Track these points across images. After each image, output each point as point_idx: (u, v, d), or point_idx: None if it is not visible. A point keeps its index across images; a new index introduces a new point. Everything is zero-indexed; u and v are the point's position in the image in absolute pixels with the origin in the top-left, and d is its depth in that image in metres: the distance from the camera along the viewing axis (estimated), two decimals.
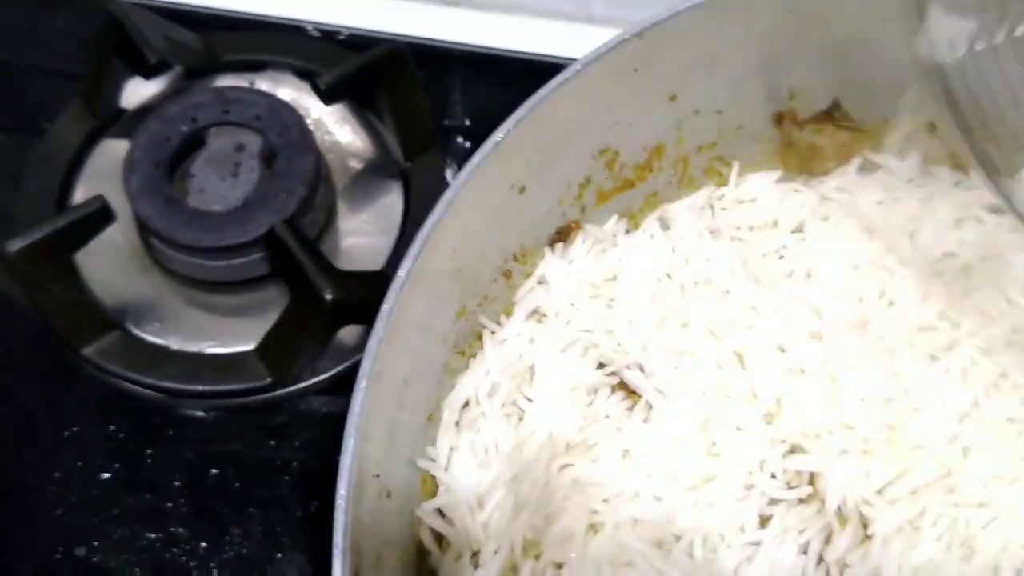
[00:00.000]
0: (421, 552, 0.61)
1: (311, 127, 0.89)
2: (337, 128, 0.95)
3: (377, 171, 0.92)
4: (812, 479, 0.65)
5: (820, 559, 0.62)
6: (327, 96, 0.92)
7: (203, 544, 0.74)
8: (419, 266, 0.58)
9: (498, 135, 0.62)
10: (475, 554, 0.62)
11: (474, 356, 0.67)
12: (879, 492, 0.63)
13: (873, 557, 0.62)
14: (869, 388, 0.68)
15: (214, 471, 0.78)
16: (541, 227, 0.71)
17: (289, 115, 0.90)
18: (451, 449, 0.64)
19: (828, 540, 0.63)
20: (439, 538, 0.62)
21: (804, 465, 0.65)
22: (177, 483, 0.77)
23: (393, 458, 0.59)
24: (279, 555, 0.72)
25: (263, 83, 0.96)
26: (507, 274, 0.69)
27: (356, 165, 0.93)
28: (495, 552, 0.61)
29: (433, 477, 0.63)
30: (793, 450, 0.66)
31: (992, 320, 0.69)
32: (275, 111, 0.90)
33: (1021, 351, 0.68)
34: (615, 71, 0.66)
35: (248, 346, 0.83)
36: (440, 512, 0.63)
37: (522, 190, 0.67)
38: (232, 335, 0.85)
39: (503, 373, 0.66)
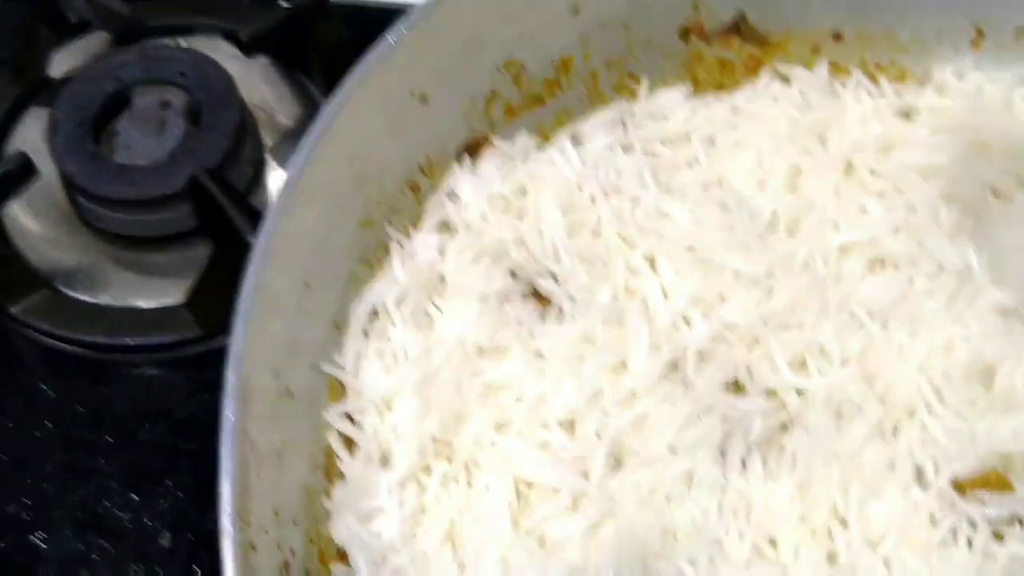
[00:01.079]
0: (330, 456, 0.61)
1: (239, 86, 0.88)
2: (267, 88, 0.95)
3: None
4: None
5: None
6: (248, 48, 0.92)
7: (136, 497, 0.73)
8: (314, 169, 0.58)
9: (391, 37, 0.61)
10: (385, 458, 0.61)
11: (382, 267, 0.67)
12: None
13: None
14: (784, 287, 0.68)
15: (147, 426, 0.77)
16: (448, 140, 0.71)
17: (213, 70, 0.90)
18: (358, 356, 0.63)
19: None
20: (349, 443, 0.61)
21: (721, 356, 0.65)
22: (110, 439, 0.76)
23: (295, 360, 0.59)
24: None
25: (191, 45, 0.96)
26: (415, 187, 0.69)
27: (286, 123, 0.93)
28: (405, 454, 0.60)
29: (340, 383, 0.63)
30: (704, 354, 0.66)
31: (894, 209, 0.70)
32: (199, 67, 0.90)
33: (925, 235, 0.69)
34: None
35: (178, 300, 0.82)
36: (350, 418, 0.62)
37: (423, 99, 0.67)
38: (162, 291, 0.85)
39: (411, 282, 0.66)
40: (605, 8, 0.73)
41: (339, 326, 0.64)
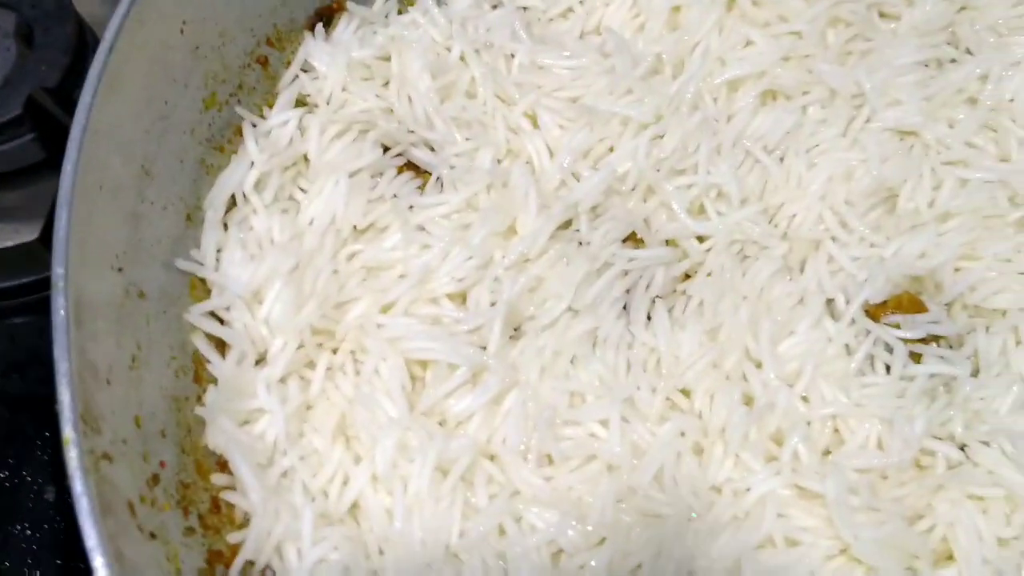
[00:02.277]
0: (199, 360, 0.54)
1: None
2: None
3: None
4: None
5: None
6: None
7: (11, 454, 0.66)
8: (135, 34, 0.51)
9: None
10: (261, 357, 0.55)
11: (236, 152, 0.60)
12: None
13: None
14: (674, 129, 0.63)
15: (16, 377, 0.70)
16: (296, 8, 0.64)
17: None
18: (219, 250, 0.57)
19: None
20: (220, 344, 0.55)
21: (616, 209, 0.61)
22: None
23: (143, 256, 0.52)
24: None
25: None
26: (263, 60, 0.62)
27: None
28: (282, 348, 0.54)
29: (202, 280, 0.56)
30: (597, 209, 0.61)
31: (780, 38, 0.66)
32: None
33: (814, 62, 0.65)
34: None
35: (32, 237, 0.74)
36: (217, 317, 0.56)
37: None
38: (14, 232, 0.76)
39: (270, 164, 0.59)
40: None
41: (194, 219, 0.57)
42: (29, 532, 0.63)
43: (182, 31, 0.55)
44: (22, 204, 0.78)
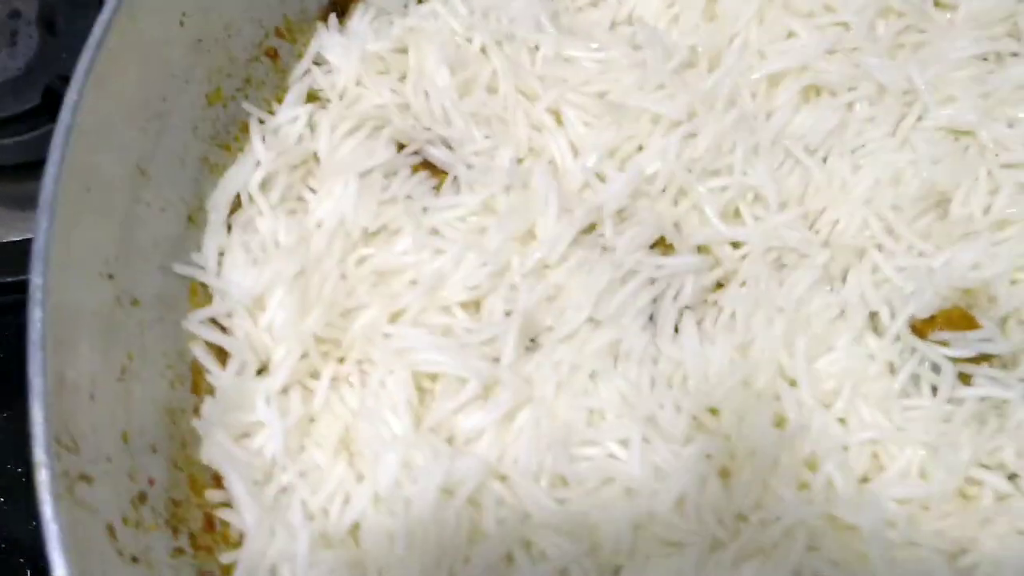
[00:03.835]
0: (197, 370, 0.52)
1: None
2: None
3: None
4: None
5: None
6: None
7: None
8: (126, 28, 0.48)
9: None
10: (264, 366, 0.53)
11: (243, 151, 0.57)
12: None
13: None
14: (708, 128, 0.59)
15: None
16: None
17: None
18: (221, 253, 0.54)
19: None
20: (220, 353, 0.53)
21: (643, 213, 0.57)
22: None
23: (137, 261, 0.50)
24: None
25: None
26: (272, 53, 0.59)
27: None
28: (285, 357, 0.52)
29: (203, 286, 0.54)
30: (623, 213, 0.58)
31: (825, 29, 0.61)
32: None
33: (863, 55, 0.61)
34: None
35: None
36: (217, 324, 0.53)
37: None
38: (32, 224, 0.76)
39: (277, 163, 0.56)
40: None
41: (195, 220, 0.55)
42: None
43: (182, 23, 0.52)
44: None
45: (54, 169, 0.43)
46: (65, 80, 0.70)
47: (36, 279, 0.41)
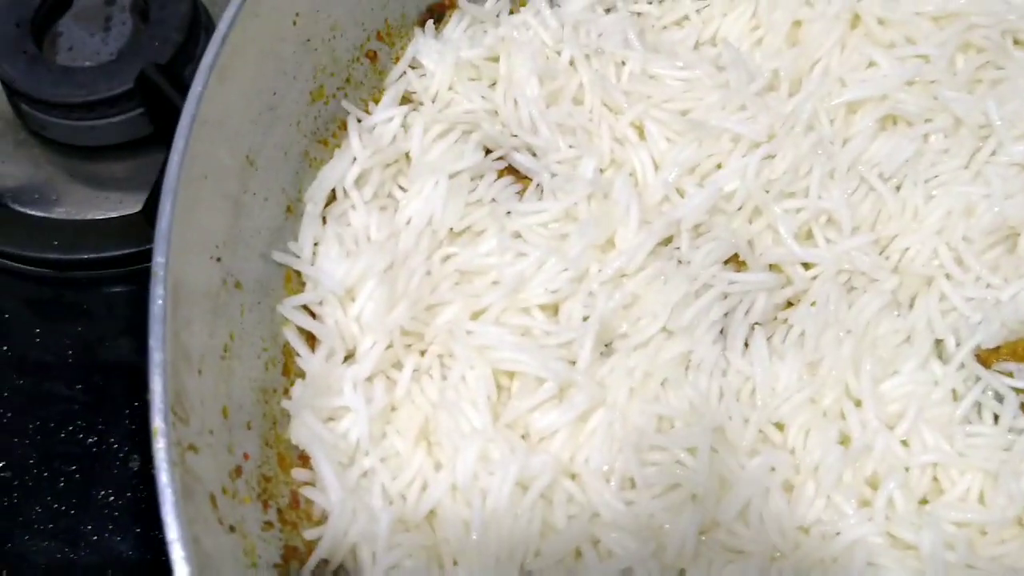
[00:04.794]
0: (289, 353, 0.55)
1: None
2: None
3: None
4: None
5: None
6: None
7: (101, 420, 0.67)
8: (248, 24, 0.51)
9: None
10: (350, 354, 0.55)
11: (340, 146, 0.60)
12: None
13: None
14: (787, 150, 0.61)
15: (108, 344, 0.71)
16: (408, 3, 0.63)
17: None
18: (316, 243, 0.57)
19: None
20: (310, 338, 0.55)
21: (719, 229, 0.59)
22: (70, 360, 0.70)
23: (242, 246, 0.52)
24: None
25: None
26: (372, 55, 0.62)
27: None
28: (371, 346, 0.54)
29: (297, 273, 0.56)
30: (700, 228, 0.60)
31: (906, 60, 0.63)
32: None
33: (941, 88, 0.62)
34: None
35: (135, 209, 0.76)
36: (309, 311, 0.56)
37: None
38: (119, 203, 0.79)
39: (372, 160, 0.59)
40: None
41: (294, 211, 0.57)
42: (112, 498, 0.64)
43: (295, 23, 0.55)
44: (127, 176, 0.80)
45: (178, 157, 0.46)
46: (158, 67, 0.73)
47: (159, 258, 0.44)
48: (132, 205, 0.76)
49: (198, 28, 0.81)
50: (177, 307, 0.45)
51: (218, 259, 0.50)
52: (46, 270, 0.75)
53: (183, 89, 0.73)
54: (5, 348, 0.71)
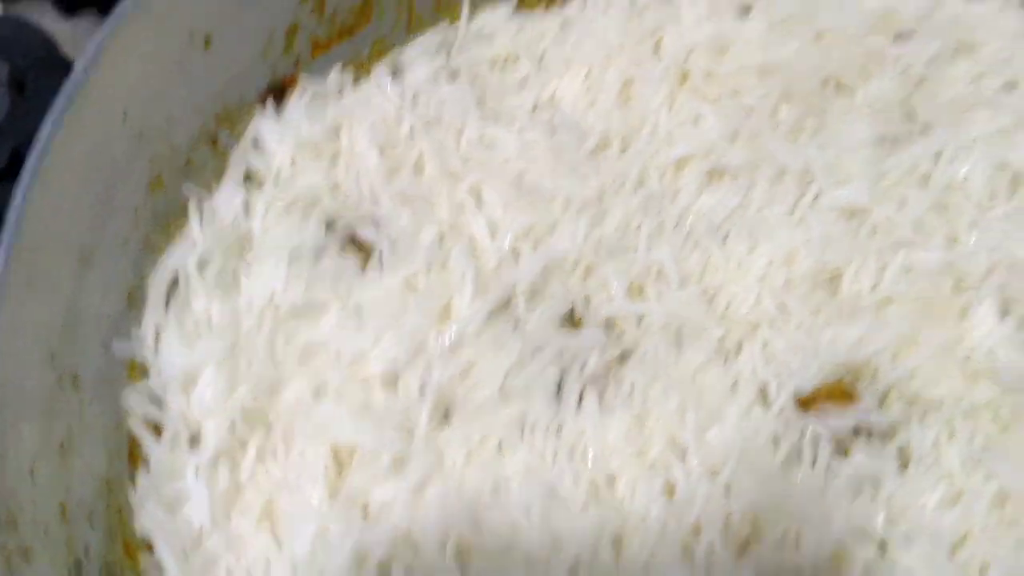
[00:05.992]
0: (134, 441, 0.56)
1: (70, 46, 0.82)
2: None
3: None
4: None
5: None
6: (68, 6, 0.86)
7: None
8: (73, 131, 0.52)
9: None
10: (195, 438, 0.57)
11: (182, 230, 0.62)
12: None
13: None
14: (616, 208, 0.64)
15: None
16: (247, 84, 0.65)
17: (32, 34, 0.85)
18: (158, 329, 0.59)
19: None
20: (156, 427, 0.57)
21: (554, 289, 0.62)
22: None
23: (79, 341, 0.54)
24: None
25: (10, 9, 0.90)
26: (212, 139, 0.64)
27: None
28: (213, 431, 0.56)
29: (140, 362, 0.58)
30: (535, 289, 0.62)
31: (731, 114, 0.66)
32: (17, 32, 0.84)
33: (765, 138, 0.65)
34: None
35: None
36: (155, 398, 0.58)
37: (207, 42, 0.61)
38: None
39: (214, 244, 0.61)
40: None
41: (135, 298, 0.59)
42: None
43: (124, 120, 0.56)
44: None
45: (2, 262, 0.47)
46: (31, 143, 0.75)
47: None
48: None
49: None
50: (3, 413, 0.46)
51: (51, 356, 0.51)
52: None
53: None
54: None
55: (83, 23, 0.86)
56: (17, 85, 0.81)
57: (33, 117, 0.77)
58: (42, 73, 0.83)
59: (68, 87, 0.52)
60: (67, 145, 0.52)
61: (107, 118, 0.55)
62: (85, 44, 0.88)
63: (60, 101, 0.52)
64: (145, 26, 0.56)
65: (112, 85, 0.55)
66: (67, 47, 0.84)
